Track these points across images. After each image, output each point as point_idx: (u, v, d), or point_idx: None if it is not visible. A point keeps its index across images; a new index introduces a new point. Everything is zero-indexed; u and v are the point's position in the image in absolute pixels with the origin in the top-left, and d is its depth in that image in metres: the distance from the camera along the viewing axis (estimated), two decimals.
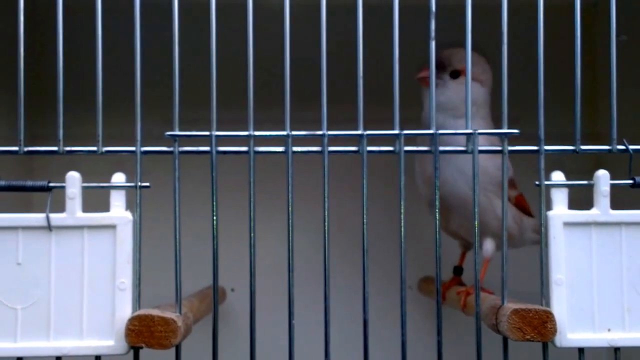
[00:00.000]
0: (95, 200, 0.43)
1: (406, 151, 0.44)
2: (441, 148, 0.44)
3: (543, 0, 0.44)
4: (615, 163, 0.46)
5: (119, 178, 0.43)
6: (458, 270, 0.62)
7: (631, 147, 0.45)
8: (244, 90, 0.44)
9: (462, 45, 0.44)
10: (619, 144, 0.45)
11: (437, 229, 0.44)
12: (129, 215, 0.43)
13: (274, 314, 0.59)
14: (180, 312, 0.43)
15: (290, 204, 0.44)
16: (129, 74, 0.43)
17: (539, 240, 0.59)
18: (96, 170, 0.44)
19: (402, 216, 0.44)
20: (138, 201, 0.43)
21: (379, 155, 0.44)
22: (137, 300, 0.42)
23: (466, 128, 0.44)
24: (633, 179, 0.44)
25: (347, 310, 0.61)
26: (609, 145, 0.45)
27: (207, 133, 0.43)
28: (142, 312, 0.41)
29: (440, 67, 0.53)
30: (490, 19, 0.46)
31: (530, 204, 0.58)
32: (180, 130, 0.43)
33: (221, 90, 0.44)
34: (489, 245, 0.56)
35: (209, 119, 0.43)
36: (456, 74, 0.54)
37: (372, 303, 0.63)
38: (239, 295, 0.70)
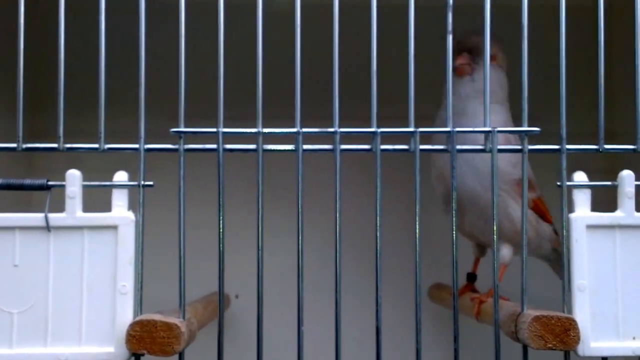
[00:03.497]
0: (97, 200, 0.42)
1: (422, 150, 0.42)
2: (458, 147, 0.42)
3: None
4: (635, 163, 0.44)
5: (121, 177, 0.41)
6: (471, 277, 0.59)
7: None
8: (252, 85, 0.42)
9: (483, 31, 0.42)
10: None
11: (454, 231, 0.42)
12: (131, 215, 0.41)
13: (281, 320, 0.57)
14: (184, 318, 0.41)
15: (300, 204, 0.42)
16: (133, 69, 0.42)
17: (550, 255, 0.57)
18: (98, 168, 0.43)
19: (417, 218, 0.42)
20: (141, 201, 0.41)
21: (389, 154, 0.42)
22: (139, 305, 0.41)
23: (485, 125, 0.42)
24: None
25: (357, 317, 0.58)
26: (631, 144, 0.43)
27: (213, 130, 0.42)
28: (144, 317, 0.39)
29: (475, 52, 0.52)
30: (510, 18, 0.44)
31: (549, 208, 0.56)
32: (186, 126, 0.42)
33: (229, 85, 0.42)
34: (505, 250, 0.54)
35: (215, 116, 0.42)
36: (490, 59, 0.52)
37: (384, 309, 0.61)
38: (243, 302, 0.69)
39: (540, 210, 0.55)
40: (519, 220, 0.52)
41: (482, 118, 0.42)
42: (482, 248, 0.59)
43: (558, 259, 0.60)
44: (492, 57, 0.51)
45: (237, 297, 0.69)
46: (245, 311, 0.69)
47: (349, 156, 0.42)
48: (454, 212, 0.42)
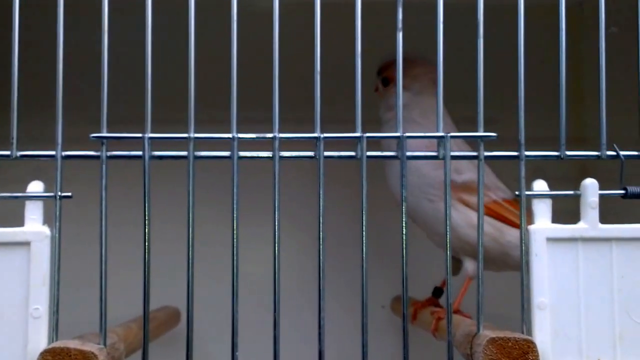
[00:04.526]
0: (8, 213, 0.38)
1: (369, 156, 0.39)
2: (409, 153, 0.39)
3: None
4: (603, 170, 0.41)
5: (35, 187, 0.38)
6: (437, 292, 0.56)
7: (622, 152, 0.40)
8: (184, 86, 0.38)
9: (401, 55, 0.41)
10: (608, 149, 0.40)
11: (404, 242, 0.39)
12: (46, 230, 0.37)
13: (226, 337, 0.54)
14: (104, 344, 0.37)
15: (235, 217, 0.38)
16: (52, 67, 0.38)
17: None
18: (12, 178, 0.39)
19: (363, 231, 0.38)
20: (57, 214, 0.37)
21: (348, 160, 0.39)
22: (55, 330, 0.37)
23: (437, 131, 0.39)
24: (625, 188, 0.40)
25: (304, 335, 0.55)
26: (597, 150, 0.40)
27: (139, 135, 0.38)
28: (57, 344, 0.36)
29: (378, 74, 0.55)
30: (468, 16, 0.41)
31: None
32: (110, 131, 0.38)
33: (158, 86, 0.39)
34: (469, 263, 0.50)
35: (143, 119, 0.38)
36: (386, 82, 0.55)
37: (345, 323, 0.58)
38: (195, 317, 0.65)
39: (498, 215, 0.50)
40: (463, 229, 0.49)
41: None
42: (455, 265, 0.55)
43: None
44: (389, 79, 0.54)
45: None
46: (197, 327, 0.65)
47: (294, 163, 0.39)
48: (404, 223, 0.39)
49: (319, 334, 0.38)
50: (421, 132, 0.41)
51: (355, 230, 0.53)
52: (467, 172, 0.49)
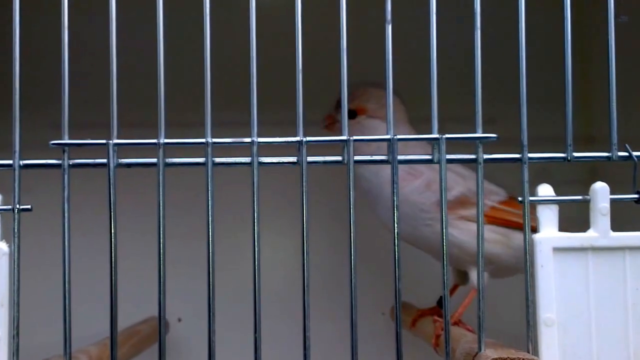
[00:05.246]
0: None
1: (357, 161, 0.35)
2: (400, 157, 0.36)
3: None
4: (614, 173, 0.38)
5: None
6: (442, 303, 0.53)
7: (635, 153, 0.37)
8: (154, 86, 0.35)
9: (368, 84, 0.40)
10: (620, 149, 0.37)
11: (396, 254, 0.36)
12: (3, 246, 0.34)
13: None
14: None
15: (210, 227, 0.35)
16: (8, 68, 0.35)
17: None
18: None
19: (352, 240, 0.35)
20: (16, 228, 0.34)
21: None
22: (15, 355, 0.34)
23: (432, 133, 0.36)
24: (638, 192, 0.36)
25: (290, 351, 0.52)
26: (607, 151, 0.37)
27: (103, 141, 0.35)
28: None
29: (338, 106, 0.50)
30: (467, 6, 0.38)
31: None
32: (73, 137, 0.35)
33: (124, 87, 0.35)
34: (475, 275, 0.47)
35: (108, 124, 0.35)
36: (352, 114, 0.50)
37: (339, 332, 0.55)
38: (186, 326, 0.64)
39: (501, 221, 0.48)
40: (469, 244, 0.47)
41: None
42: (461, 274, 0.52)
43: None
44: (360, 111, 0.50)
45: (179, 320, 0.65)
46: (188, 335, 0.64)
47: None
48: (396, 234, 0.36)
49: (304, 353, 0.35)
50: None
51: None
52: (455, 187, 0.48)
